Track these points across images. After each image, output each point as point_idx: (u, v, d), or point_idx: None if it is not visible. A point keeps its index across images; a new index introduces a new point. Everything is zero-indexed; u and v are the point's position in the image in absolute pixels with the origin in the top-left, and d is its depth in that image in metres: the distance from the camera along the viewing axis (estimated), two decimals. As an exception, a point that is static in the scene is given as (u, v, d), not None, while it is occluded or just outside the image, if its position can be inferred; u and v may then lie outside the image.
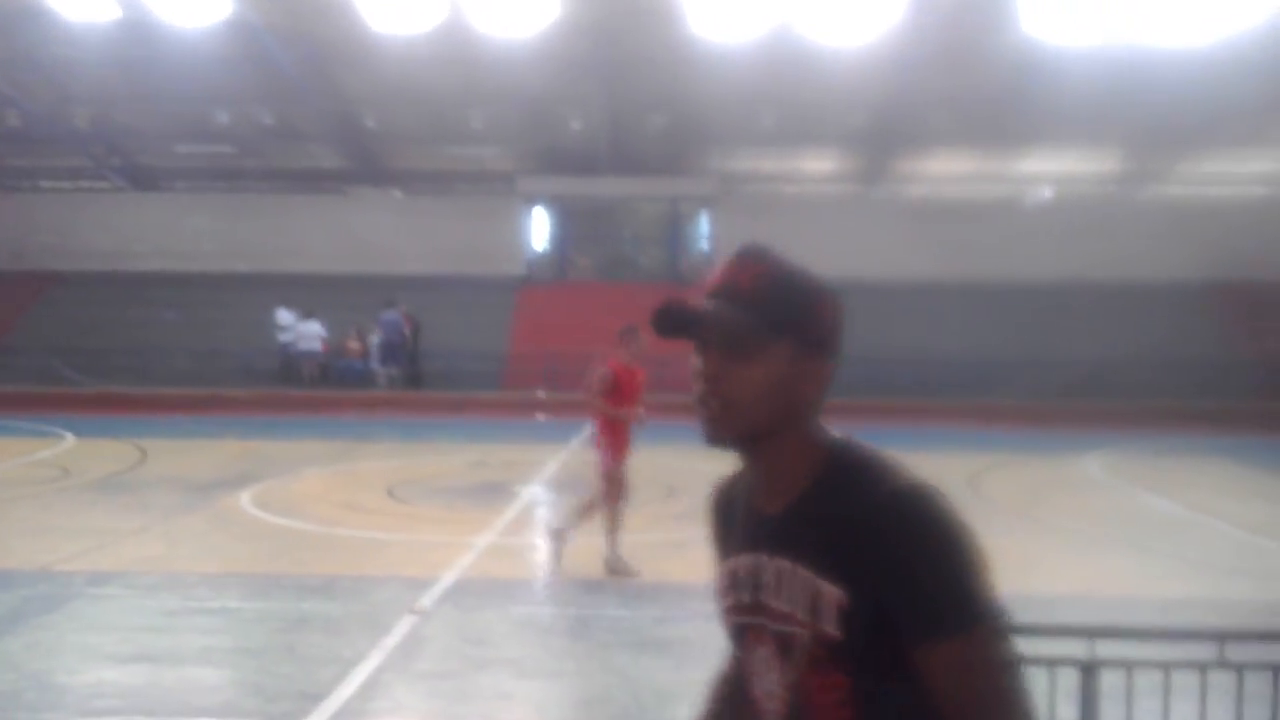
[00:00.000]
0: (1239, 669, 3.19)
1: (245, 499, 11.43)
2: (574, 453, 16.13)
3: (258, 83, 24.84)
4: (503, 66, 23.88)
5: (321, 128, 27.58)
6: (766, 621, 1.55)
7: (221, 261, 27.53)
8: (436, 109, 26.58)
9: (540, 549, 10.11)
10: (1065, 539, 10.13)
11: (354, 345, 24.92)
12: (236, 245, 27.89)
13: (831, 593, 1.45)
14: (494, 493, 12.35)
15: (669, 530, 10.33)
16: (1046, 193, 29.21)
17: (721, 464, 1.70)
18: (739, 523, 1.65)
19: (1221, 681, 3.21)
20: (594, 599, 7.73)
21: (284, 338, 24.60)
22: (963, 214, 27.01)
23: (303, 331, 24.37)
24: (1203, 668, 3.22)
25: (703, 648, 6.37)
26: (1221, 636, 3.21)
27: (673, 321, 1.55)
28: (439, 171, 30.31)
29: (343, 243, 27.57)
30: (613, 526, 8.41)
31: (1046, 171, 28.94)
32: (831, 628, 1.45)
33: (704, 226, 29.66)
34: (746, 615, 1.59)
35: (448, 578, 8.07)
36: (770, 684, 1.57)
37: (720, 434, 1.56)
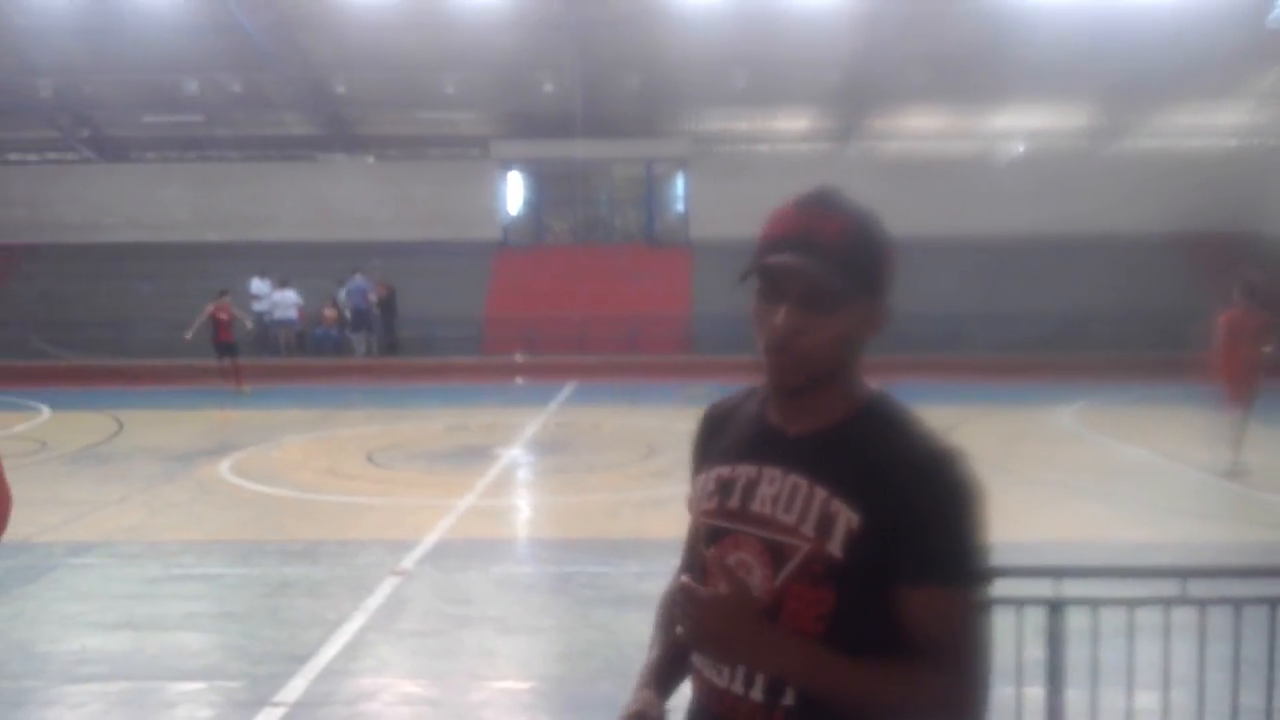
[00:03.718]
0: (1201, 605, 3.27)
1: (225, 467, 11.44)
2: (553, 414, 16.20)
3: (225, 50, 24.50)
4: (474, 29, 23.65)
5: (291, 94, 27.28)
6: (752, 528, 1.62)
7: (194, 231, 27.31)
8: (408, 73, 26.33)
9: (521, 509, 10.21)
10: (1037, 488, 10.28)
11: (330, 313, 24.85)
12: (209, 215, 27.64)
13: (847, 516, 1.54)
14: (474, 456, 12.40)
15: (649, 488, 10.43)
16: (1019, 147, 29.26)
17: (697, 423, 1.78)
18: (735, 437, 1.72)
19: (1184, 619, 3.29)
20: (574, 556, 7.81)
21: (259, 307, 24.48)
22: (936, 170, 27.04)
23: (278, 300, 24.28)
24: (1167, 604, 3.30)
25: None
26: (1184, 573, 3.29)
27: (764, 272, 1.60)
28: (412, 137, 30.04)
29: (316, 210, 27.37)
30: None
31: (1019, 126, 28.96)
32: (836, 548, 1.54)
33: (679, 188, 29.59)
34: (726, 519, 1.66)
35: (429, 539, 8.14)
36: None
37: (790, 382, 1.62)
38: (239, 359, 19.07)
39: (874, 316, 1.63)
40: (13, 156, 30.51)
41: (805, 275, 1.56)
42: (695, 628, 1.54)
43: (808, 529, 1.56)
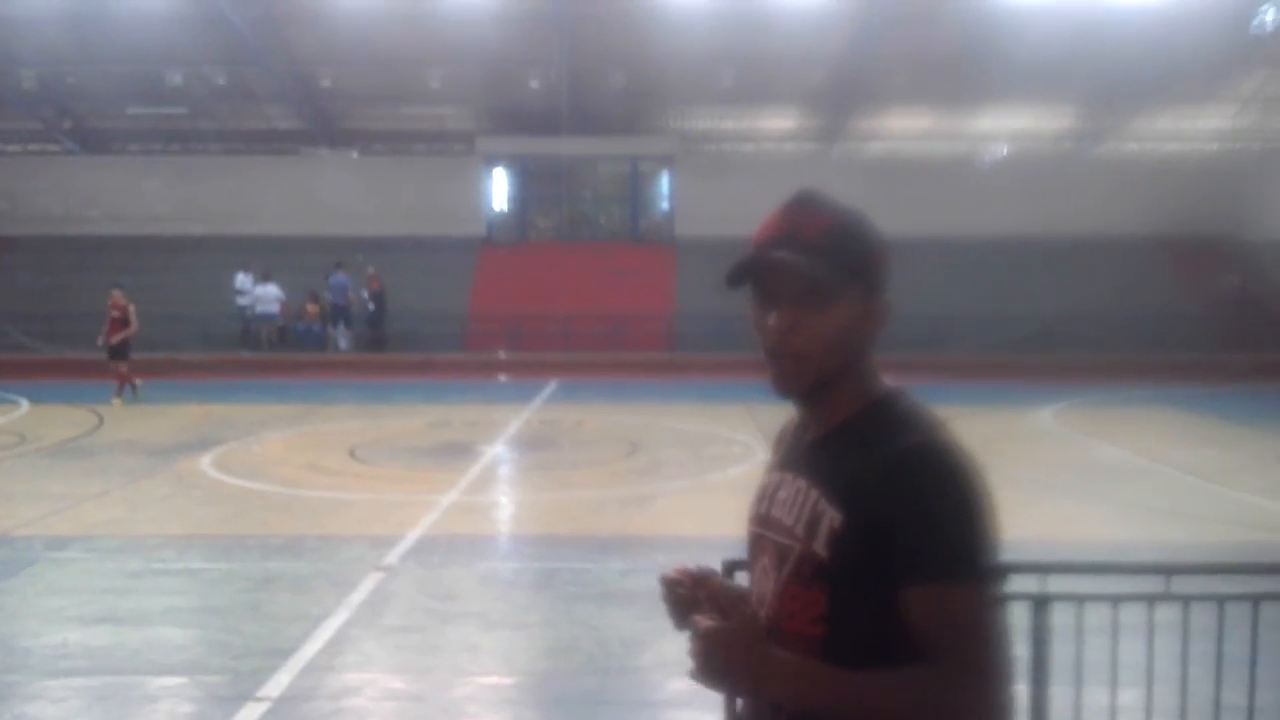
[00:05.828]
0: (1185, 601, 3.29)
1: (206, 462, 11.37)
2: (536, 411, 16.17)
3: (210, 43, 24.39)
4: (460, 25, 23.62)
5: (276, 88, 27.17)
6: (770, 533, 1.65)
7: (176, 225, 27.14)
8: (393, 68, 26.26)
9: (505, 506, 10.18)
10: (1017, 487, 10.27)
11: (312, 308, 24.75)
12: (191, 208, 27.48)
13: (831, 515, 1.53)
14: (457, 452, 12.37)
15: (632, 485, 10.42)
16: (1002, 150, 29.40)
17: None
18: (785, 447, 1.75)
19: (1168, 616, 3.30)
20: (558, 553, 7.80)
21: (242, 301, 24.38)
22: (920, 171, 27.18)
23: (260, 295, 24.16)
24: (1150, 601, 3.31)
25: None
26: (1168, 570, 3.31)
27: (750, 271, 1.60)
28: (397, 132, 29.97)
29: (300, 204, 27.25)
30: None
31: (1002, 128, 29.14)
32: (821, 548, 1.53)
33: (664, 186, 29.60)
34: (757, 526, 1.70)
35: (412, 535, 8.11)
36: (765, 591, 1.64)
37: (793, 387, 1.61)
38: (119, 362, 16.12)
39: (873, 312, 1.61)
40: (-7, 148, 30.29)
41: (794, 271, 1.56)
42: (700, 662, 1.51)
43: (800, 530, 1.56)
